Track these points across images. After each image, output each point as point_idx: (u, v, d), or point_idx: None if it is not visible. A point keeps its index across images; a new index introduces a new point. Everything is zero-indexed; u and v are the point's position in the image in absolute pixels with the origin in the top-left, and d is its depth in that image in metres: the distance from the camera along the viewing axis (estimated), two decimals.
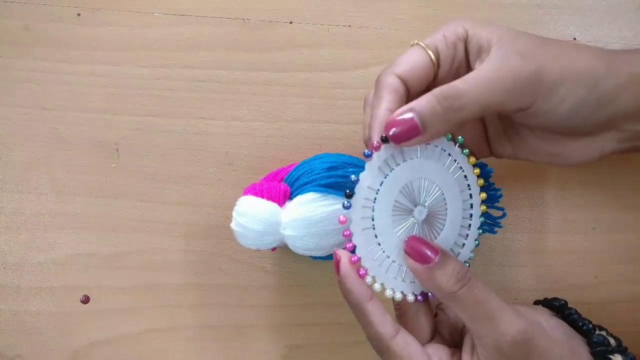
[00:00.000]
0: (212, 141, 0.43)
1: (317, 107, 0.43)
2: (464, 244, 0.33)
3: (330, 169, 0.37)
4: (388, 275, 0.32)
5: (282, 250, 0.43)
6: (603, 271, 0.43)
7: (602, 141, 0.34)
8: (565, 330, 0.33)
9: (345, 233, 0.30)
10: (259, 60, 0.43)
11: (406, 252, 0.31)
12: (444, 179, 0.32)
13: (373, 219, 0.31)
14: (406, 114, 0.29)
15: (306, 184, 0.37)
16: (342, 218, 0.30)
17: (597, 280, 0.43)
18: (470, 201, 0.33)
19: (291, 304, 0.43)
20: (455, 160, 0.32)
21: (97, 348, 0.43)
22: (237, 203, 0.37)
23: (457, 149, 0.32)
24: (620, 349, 0.32)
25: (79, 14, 0.43)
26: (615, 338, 0.33)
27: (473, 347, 0.31)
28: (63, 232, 0.43)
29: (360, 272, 0.31)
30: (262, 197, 0.37)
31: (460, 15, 0.43)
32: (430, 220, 0.32)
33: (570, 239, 0.43)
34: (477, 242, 0.34)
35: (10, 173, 0.43)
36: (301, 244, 0.37)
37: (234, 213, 0.37)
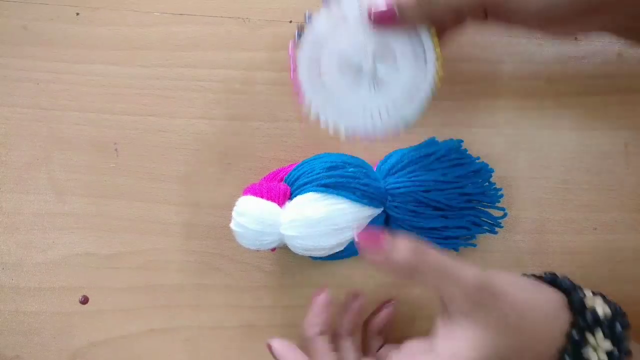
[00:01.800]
0: (212, 141, 0.43)
1: None
2: (412, 107, 0.36)
3: (330, 168, 0.37)
4: (329, 111, 0.36)
5: (281, 250, 0.43)
6: (604, 272, 0.43)
7: (594, 23, 0.34)
8: (532, 281, 0.33)
9: (290, 53, 0.35)
10: (258, 60, 0.43)
11: (361, 247, 0.32)
12: (399, 44, 0.35)
13: (320, 61, 0.35)
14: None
15: (306, 183, 0.37)
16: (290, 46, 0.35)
17: (597, 281, 0.43)
18: (426, 70, 0.35)
19: (291, 305, 0.43)
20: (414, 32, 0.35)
21: (96, 349, 0.43)
22: (237, 203, 0.37)
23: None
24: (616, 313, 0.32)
25: (77, 14, 0.43)
26: (610, 305, 0.33)
27: (442, 319, 0.31)
28: (62, 232, 0.43)
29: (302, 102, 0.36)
30: (262, 197, 0.37)
31: None
32: (381, 80, 0.35)
33: (571, 239, 0.43)
34: (423, 108, 0.36)
35: (8, 173, 0.43)
36: (301, 244, 0.37)
37: (233, 213, 0.37)
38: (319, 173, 0.37)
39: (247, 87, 0.43)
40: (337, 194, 0.36)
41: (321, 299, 0.37)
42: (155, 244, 0.43)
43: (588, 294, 0.33)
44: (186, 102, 0.43)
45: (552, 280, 0.34)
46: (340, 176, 0.37)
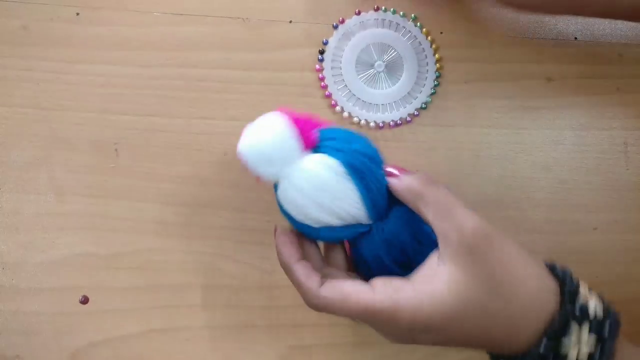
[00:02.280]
0: (212, 141, 0.43)
1: (317, 107, 0.43)
2: (421, 91, 0.43)
3: (365, 155, 0.34)
4: (354, 108, 0.43)
5: None
6: (604, 272, 0.43)
7: None
8: (532, 255, 0.33)
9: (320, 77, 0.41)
10: (258, 60, 0.43)
11: (386, 175, 0.34)
12: (399, 42, 0.42)
13: (341, 69, 0.43)
14: None
15: (338, 150, 0.34)
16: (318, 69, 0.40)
17: (598, 280, 0.43)
18: (426, 60, 0.43)
19: (291, 305, 0.43)
20: (409, 31, 0.43)
21: (96, 349, 0.43)
22: (266, 116, 0.34)
23: (410, 23, 0.43)
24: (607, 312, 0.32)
25: (77, 14, 0.43)
26: (604, 306, 0.32)
27: (437, 257, 0.31)
28: (62, 233, 0.43)
29: (332, 104, 0.43)
30: (294, 127, 0.34)
31: None
32: (390, 71, 0.43)
33: (571, 239, 0.43)
34: (433, 90, 0.43)
35: (9, 173, 0.43)
36: (292, 198, 0.34)
37: (255, 123, 0.34)
38: (355, 150, 0.34)
39: (247, 87, 0.43)
40: (357, 183, 0.34)
41: (281, 233, 0.35)
42: (155, 244, 0.43)
43: (584, 290, 0.32)
44: (186, 102, 0.43)
45: (550, 267, 0.33)
46: (369, 169, 0.34)
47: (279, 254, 0.35)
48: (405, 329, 0.30)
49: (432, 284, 0.30)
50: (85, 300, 0.43)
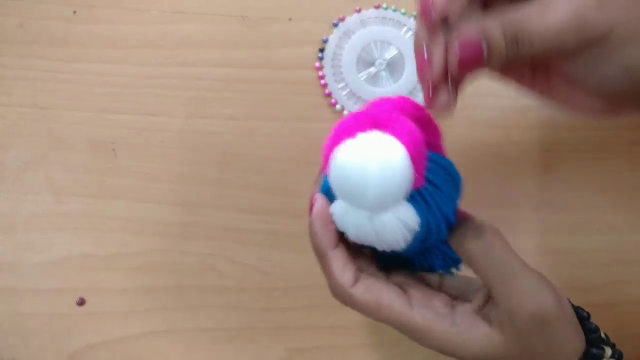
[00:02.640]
0: (211, 140, 0.43)
1: (318, 105, 0.43)
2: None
3: (447, 220, 0.29)
4: (354, 107, 0.42)
5: (281, 251, 0.43)
6: (607, 273, 0.43)
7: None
8: (575, 320, 0.31)
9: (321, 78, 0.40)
10: (257, 58, 0.43)
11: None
12: (400, 40, 0.42)
13: (341, 67, 0.42)
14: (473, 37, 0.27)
15: (429, 210, 0.28)
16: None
17: (600, 281, 0.43)
18: None
19: (291, 307, 0.43)
20: (410, 29, 0.42)
21: (94, 351, 0.43)
22: (385, 142, 0.27)
23: (411, 20, 0.42)
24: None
25: (75, 12, 0.43)
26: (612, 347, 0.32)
27: (485, 302, 0.30)
28: (59, 233, 0.43)
29: (332, 102, 0.41)
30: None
31: None
32: (391, 70, 0.42)
33: (573, 239, 0.43)
34: None
35: (5, 173, 0.43)
36: (355, 230, 0.29)
37: (369, 144, 0.27)
38: (443, 214, 0.29)
39: (246, 86, 0.43)
40: (418, 241, 0.29)
41: (321, 209, 0.30)
42: (154, 244, 0.43)
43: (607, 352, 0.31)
44: (185, 101, 0.43)
45: (582, 318, 0.32)
46: (441, 231, 0.29)
47: (314, 234, 0.30)
48: (428, 346, 0.30)
49: (471, 331, 0.29)
50: (82, 302, 0.43)
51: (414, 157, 0.27)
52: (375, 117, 0.28)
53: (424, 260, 0.32)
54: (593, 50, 0.27)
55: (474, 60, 0.28)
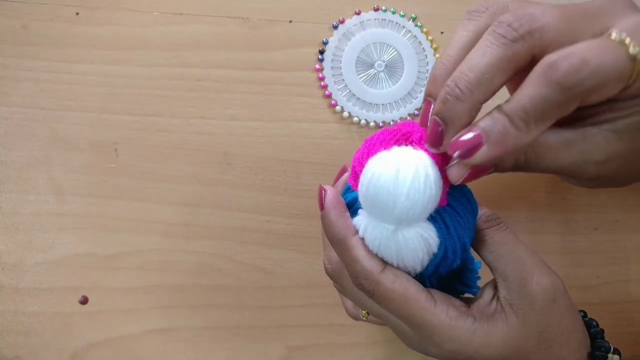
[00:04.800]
0: (212, 141, 0.43)
1: (317, 106, 0.43)
2: (422, 90, 0.43)
3: (463, 246, 0.29)
4: (354, 108, 0.43)
5: (281, 251, 0.43)
6: (605, 272, 0.43)
7: None
8: (580, 316, 0.32)
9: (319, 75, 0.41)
10: (258, 59, 0.43)
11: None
12: (399, 42, 0.42)
13: (341, 68, 0.43)
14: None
15: (448, 233, 0.29)
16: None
17: (599, 280, 0.43)
18: (426, 60, 0.43)
19: (291, 305, 0.43)
20: (409, 31, 0.42)
21: (96, 349, 0.43)
22: (416, 158, 0.27)
23: (410, 22, 0.42)
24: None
25: (77, 13, 0.43)
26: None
27: (494, 295, 0.30)
28: (62, 233, 0.43)
29: (332, 103, 0.42)
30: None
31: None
32: (390, 71, 0.43)
33: (571, 239, 0.43)
34: None
35: (8, 173, 0.43)
36: (376, 243, 0.29)
37: (400, 160, 0.27)
38: (459, 238, 0.29)
39: (246, 87, 0.43)
40: (435, 262, 0.29)
41: (334, 199, 0.30)
42: (155, 244, 0.43)
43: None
44: (186, 102, 0.43)
45: (587, 323, 0.33)
46: (457, 256, 0.29)
47: (330, 225, 0.29)
48: (445, 349, 0.29)
49: (490, 323, 0.29)
50: (84, 301, 0.43)
51: (442, 176, 0.27)
52: (408, 134, 0.29)
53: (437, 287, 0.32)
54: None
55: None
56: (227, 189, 0.43)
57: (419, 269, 0.29)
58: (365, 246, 0.29)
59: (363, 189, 0.28)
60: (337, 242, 0.29)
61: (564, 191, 0.43)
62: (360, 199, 0.28)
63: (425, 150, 0.28)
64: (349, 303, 0.36)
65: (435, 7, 0.43)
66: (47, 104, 0.43)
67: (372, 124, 0.43)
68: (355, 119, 0.43)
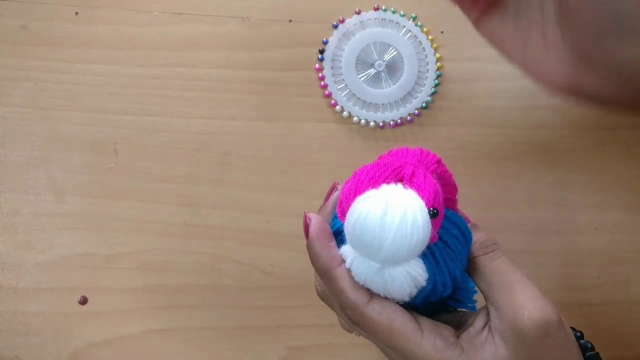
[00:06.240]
0: (211, 141, 0.43)
1: (318, 106, 0.43)
2: (422, 90, 0.43)
3: (454, 280, 0.29)
4: (354, 108, 0.43)
5: (281, 251, 0.43)
6: (605, 272, 0.43)
7: None
8: (576, 343, 0.31)
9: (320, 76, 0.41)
10: (258, 59, 0.43)
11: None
12: (399, 41, 0.42)
13: (341, 68, 0.42)
14: None
15: (438, 269, 0.28)
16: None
17: (599, 281, 0.43)
18: (427, 60, 0.43)
19: (290, 305, 0.43)
20: (409, 30, 0.42)
21: (95, 349, 0.43)
22: (406, 199, 0.26)
23: (410, 22, 0.42)
24: None
25: (76, 13, 0.43)
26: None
27: (486, 323, 0.30)
28: (61, 233, 0.43)
29: (332, 103, 0.42)
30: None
31: None
32: (390, 71, 0.43)
33: (572, 239, 0.43)
34: (434, 90, 0.43)
35: (7, 173, 0.43)
36: (363, 278, 0.28)
37: (387, 200, 0.26)
38: (450, 272, 0.28)
39: (246, 87, 0.43)
40: (423, 295, 0.29)
41: (318, 229, 0.29)
42: (155, 244, 0.43)
43: None
44: (186, 102, 0.43)
45: (577, 337, 0.32)
46: (445, 289, 0.29)
47: (315, 256, 0.29)
48: None
49: (478, 353, 0.29)
50: (84, 301, 0.43)
51: (438, 215, 0.27)
52: (399, 169, 0.28)
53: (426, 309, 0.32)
54: None
55: None
56: (227, 189, 0.43)
57: (407, 299, 0.29)
58: (352, 277, 0.28)
59: (349, 228, 0.27)
60: (322, 273, 0.29)
61: (565, 191, 0.43)
62: (347, 237, 0.27)
63: (418, 187, 0.27)
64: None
65: (435, 7, 0.43)
66: (46, 103, 0.43)
67: (372, 124, 0.43)
68: (355, 118, 0.43)
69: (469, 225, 0.30)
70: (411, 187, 0.27)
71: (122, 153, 0.43)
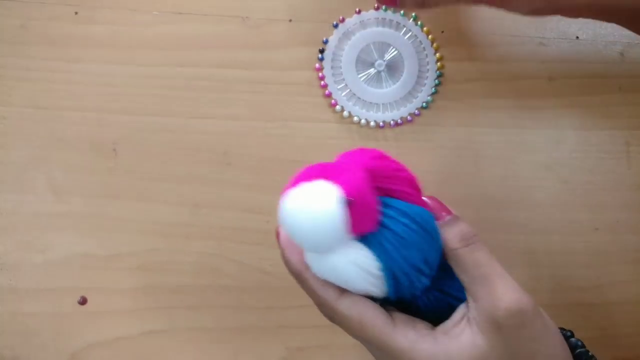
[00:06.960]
0: (211, 141, 0.43)
1: (318, 106, 0.43)
2: (422, 90, 0.43)
3: (415, 268, 0.29)
4: (354, 107, 0.43)
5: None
6: (605, 272, 0.43)
7: None
8: (563, 342, 0.31)
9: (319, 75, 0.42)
10: (258, 59, 0.43)
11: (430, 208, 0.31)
12: (399, 41, 0.42)
13: (341, 68, 0.42)
14: None
15: (387, 254, 0.28)
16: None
17: (599, 281, 0.43)
18: (427, 59, 0.43)
19: (291, 306, 0.43)
20: (409, 30, 0.42)
21: (95, 350, 0.43)
22: (317, 187, 0.28)
23: (410, 21, 0.42)
24: None
25: (76, 12, 0.43)
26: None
27: (464, 315, 0.30)
28: (60, 233, 0.43)
29: (332, 103, 0.42)
30: (350, 206, 0.28)
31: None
32: (390, 71, 0.43)
33: (572, 239, 0.43)
34: (434, 89, 0.43)
35: (7, 173, 0.43)
36: (319, 271, 0.30)
37: (303, 191, 0.28)
38: (406, 259, 0.29)
39: (246, 86, 0.43)
40: (389, 287, 0.29)
41: (286, 238, 0.32)
42: (155, 244, 0.43)
43: None
44: (185, 101, 0.43)
45: (566, 337, 0.32)
46: (411, 281, 0.29)
47: (286, 262, 0.32)
48: None
49: (453, 343, 0.29)
50: (83, 301, 0.43)
51: (356, 203, 0.27)
52: (324, 168, 0.29)
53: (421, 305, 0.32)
54: None
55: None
56: (227, 189, 0.43)
57: (375, 290, 0.29)
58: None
59: (282, 226, 0.29)
60: (295, 277, 0.32)
61: (565, 191, 0.43)
62: None
63: (337, 180, 0.28)
64: None
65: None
66: (45, 103, 0.43)
67: (372, 123, 0.43)
68: (355, 118, 0.43)
69: (449, 217, 0.31)
70: (332, 181, 0.28)
71: (122, 153, 0.43)
